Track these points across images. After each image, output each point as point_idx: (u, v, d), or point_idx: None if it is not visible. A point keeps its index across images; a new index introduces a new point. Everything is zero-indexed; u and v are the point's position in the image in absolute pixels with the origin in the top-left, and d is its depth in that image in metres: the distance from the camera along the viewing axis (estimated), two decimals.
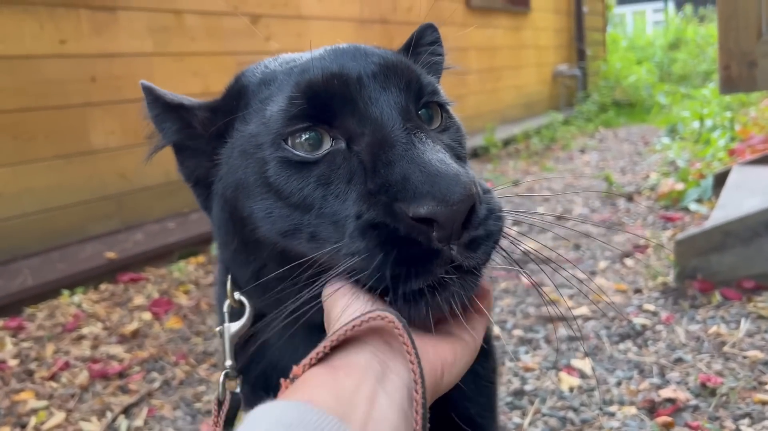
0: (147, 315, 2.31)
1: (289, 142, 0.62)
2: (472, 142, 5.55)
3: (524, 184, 4.30)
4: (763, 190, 2.60)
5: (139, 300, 2.47)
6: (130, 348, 2.07)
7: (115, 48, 2.96)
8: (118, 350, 2.06)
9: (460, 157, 0.68)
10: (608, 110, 7.89)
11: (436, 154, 0.57)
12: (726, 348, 1.77)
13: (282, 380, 0.52)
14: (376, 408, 0.49)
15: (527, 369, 1.77)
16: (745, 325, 1.87)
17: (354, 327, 0.53)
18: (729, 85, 2.20)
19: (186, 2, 3.22)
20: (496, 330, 2.03)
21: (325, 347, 0.53)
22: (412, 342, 0.52)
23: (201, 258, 2.92)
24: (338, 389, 0.49)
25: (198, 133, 0.74)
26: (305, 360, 0.53)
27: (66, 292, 2.50)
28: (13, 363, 2.00)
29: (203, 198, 0.76)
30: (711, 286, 2.11)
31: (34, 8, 2.65)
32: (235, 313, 0.76)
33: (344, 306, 0.57)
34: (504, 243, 0.62)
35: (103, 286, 2.63)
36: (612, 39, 10.72)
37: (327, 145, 0.62)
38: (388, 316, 0.53)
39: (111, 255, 2.73)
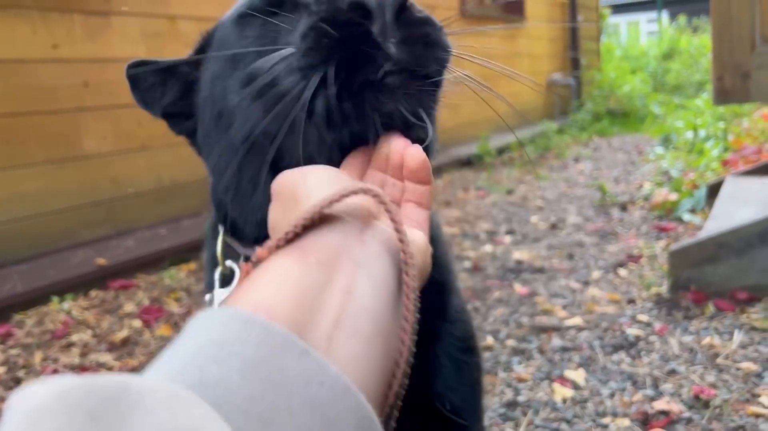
0: (137, 323, 2.29)
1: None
2: (466, 150, 5.55)
3: (518, 192, 4.30)
4: (756, 201, 2.61)
5: (129, 307, 2.45)
6: (120, 356, 2.05)
7: (109, 53, 2.95)
8: (107, 358, 2.04)
9: None
10: (602, 119, 7.91)
11: None
12: (719, 360, 1.76)
13: (242, 263, 0.46)
14: (353, 300, 0.40)
15: (520, 380, 1.76)
16: (738, 337, 1.87)
17: (332, 203, 0.44)
18: (723, 96, 2.20)
19: (180, 8, 3.22)
20: (489, 340, 2.02)
21: (296, 226, 0.43)
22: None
23: (192, 265, 2.90)
24: (304, 285, 0.40)
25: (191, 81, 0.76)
26: (271, 242, 0.44)
27: (55, 299, 2.48)
28: (0, 370, 1.97)
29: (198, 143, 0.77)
30: (704, 297, 2.11)
31: (26, 12, 2.64)
32: (227, 280, 0.73)
33: (315, 182, 0.49)
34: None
35: (93, 293, 2.60)
36: (606, 48, 10.77)
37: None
38: (372, 189, 0.46)
39: (101, 261, 2.71)
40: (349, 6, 0.55)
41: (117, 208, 2.99)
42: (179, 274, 2.80)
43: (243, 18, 0.67)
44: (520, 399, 1.67)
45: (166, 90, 0.77)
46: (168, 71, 0.77)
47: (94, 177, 2.91)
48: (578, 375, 1.75)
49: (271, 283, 0.40)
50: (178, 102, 0.78)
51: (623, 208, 3.68)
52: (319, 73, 0.55)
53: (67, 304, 2.46)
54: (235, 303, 0.39)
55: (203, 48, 0.77)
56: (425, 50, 0.57)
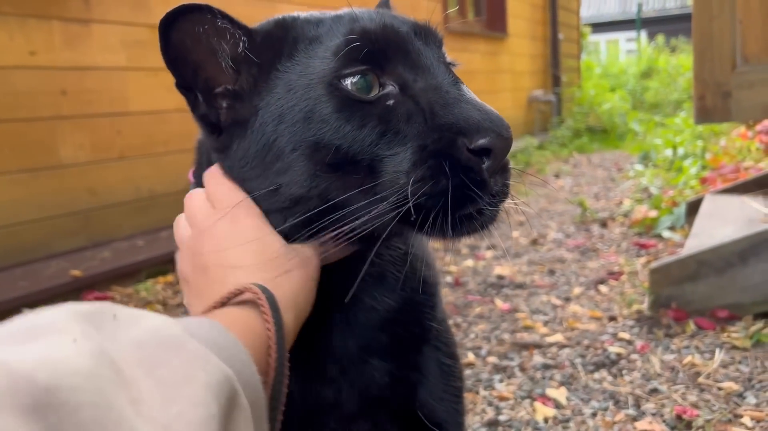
0: None
1: (343, 83, 0.65)
2: None
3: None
4: (735, 220, 2.62)
5: None
6: None
7: (88, 61, 2.90)
8: None
9: None
10: (582, 136, 7.99)
11: (479, 99, 0.66)
12: (701, 379, 1.76)
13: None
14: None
15: (502, 399, 1.74)
16: (719, 356, 1.87)
17: (223, 302, 0.59)
18: (704, 115, 2.22)
19: (162, 16, 3.18)
20: (471, 356, 2.00)
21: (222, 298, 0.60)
22: (275, 317, 0.57)
23: (170, 278, 2.85)
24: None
25: (250, 59, 0.70)
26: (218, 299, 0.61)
27: (27, 311, 2.41)
28: None
29: (222, 141, 0.72)
30: (685, 315, 2.11)
31: (3, 18, 2.59)
32: None
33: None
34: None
35: None
36: (586, 66, 10.90)
37: (375, 90, 0.66)
38: (253, 288, 0.58)
39: (76, 273, 2.65)
40: (476, 150, 0.62)
41: (93, 218, 2.94)
42: (156, 287, 2.75)
43: (338, 88, 0.65)
44: (502, 418, 1.64)
45: (220, 51, 0.68)
46: (236, 28, 0.68)
47: (70, 187, 2.85)
48: (560, 394, 1.73)
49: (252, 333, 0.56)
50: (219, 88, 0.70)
51: (603, 224, 3.69)
52: (440, 196, 0.62)
53: None
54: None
55: (276, 41, 0.70)
56: (506, 180, 0.67)
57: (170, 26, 0.66)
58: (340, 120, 0.65)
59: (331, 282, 0.72)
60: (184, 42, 0.67)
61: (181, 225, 0.74)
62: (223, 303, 0.59)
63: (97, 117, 2.94)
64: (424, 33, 0.71)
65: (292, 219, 0.67)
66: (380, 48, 0.66)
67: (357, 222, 0.64)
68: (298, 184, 0.66)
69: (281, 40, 0.70)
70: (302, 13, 0.74)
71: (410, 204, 0.62)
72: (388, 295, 0.77)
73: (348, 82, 0.65)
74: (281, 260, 0.66)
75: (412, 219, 0.63)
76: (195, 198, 0.74)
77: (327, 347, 0.75)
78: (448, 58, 0.75)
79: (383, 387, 0.78)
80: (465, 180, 0.62)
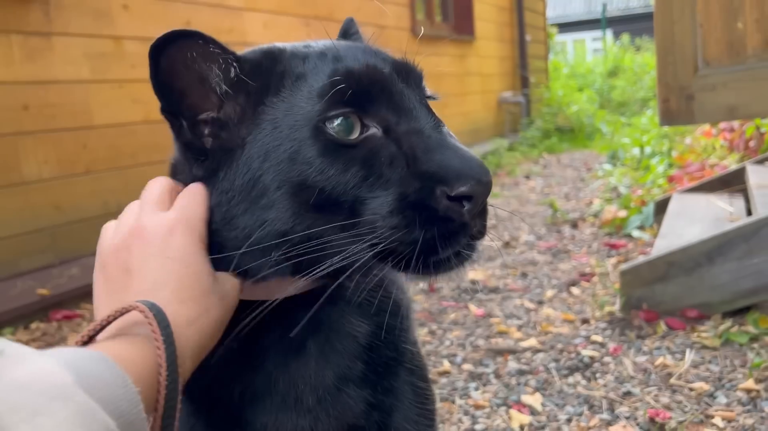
0: None
1: (327, 125, 0.66)
2: None
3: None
4: (702, 219, 2.67)
5: (73, 339, 2.35)
6: None
7: (50, 75, 2.85)
8: None
9: None
10: (551, 136, 8.06)
11: (460, 144, 0.68)
12: (673, 380, 1.78)
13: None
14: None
15: (477, 407, 1.74)
16: (690, 356, 1.89)
17: (109, 317, 0.57)
18: (668, 117, 2.26)
19: (126, 28, 3.14)
20: (446, 364, 2.00)
21: (82, 337, 0.58)
22: (163, 331, 0.56)
23: None
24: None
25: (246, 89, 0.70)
26: (92, 327, 0.59)
27: None
28: None
29: (210, 168, 0.71)
30: (656, 316, 2.14)
31: None
32: None
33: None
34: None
35: (34, 325, 2.49)
36: (554, 66, 11.02)
37: (356, 132, 0.67)
38: (140, 306, 0.57)
39: (43, 291, 2.60)
40: (456, 197, 0.64)
41: (60, 235, 2.88)
42: None
43: (322, 131, 0.66)
44: (478, 427, 1.65)
45: (207, 79, 0.68)
46: (227, 55, 0.68)
47: (35, 203, 2.79)
48: (535, 400, 1.74)
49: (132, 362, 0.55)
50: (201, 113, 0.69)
51: (574, 225, 3.73)
52: (413, 245, 0.64)
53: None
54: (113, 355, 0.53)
55: (264, 73, 0.70)
56: (484, 221, 0.68)
57: (161, 52, 0.65)
58: (325, 164, 0.65)
59: (306, 311, 0.70)
60: (173, 68, 0.67)
61: (133, 208, 0.72)
62: (110, 320, 0.58)
63: (62, 131, 2.88)
64: (405, 72, 0.72)
65: (278, 254, 0.67)
66: (364, 89, 0.67)
67: (336, 258, 0.65)
68: (282, 221, 0.66)
69: (269, 72, 0.70)
70: (288, 45, 0.73)
71: (382, 247, 0.64)
72: (364, 320, 0.77)
73: (332, 125, 0.66)
74: (204, 297, 0.64)
75: (388, 259, 0.65)
76: (158, 184, 0.72)
77: (304, 377, 0.74)
78: (428, 90, 0.76)
79: (358, 415, 0.77)
80: (440, 230, 0.64)
